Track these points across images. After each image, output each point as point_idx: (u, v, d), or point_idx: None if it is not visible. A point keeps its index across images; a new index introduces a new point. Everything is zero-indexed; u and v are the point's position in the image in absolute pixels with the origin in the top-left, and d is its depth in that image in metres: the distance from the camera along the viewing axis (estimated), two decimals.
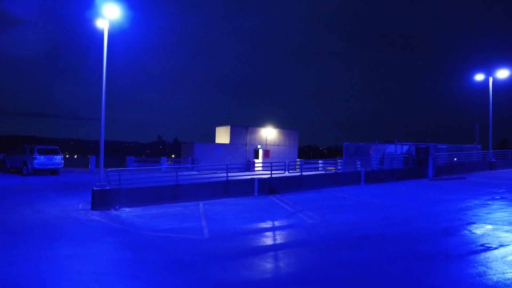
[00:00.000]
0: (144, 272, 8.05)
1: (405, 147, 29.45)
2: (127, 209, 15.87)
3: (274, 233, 12.09)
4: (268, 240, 11.23)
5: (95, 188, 15.98)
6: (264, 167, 28.23)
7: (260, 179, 20.53)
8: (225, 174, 20.36)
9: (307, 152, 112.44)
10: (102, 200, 15.94)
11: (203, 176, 22.98)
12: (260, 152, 43.49)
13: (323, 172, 28.03)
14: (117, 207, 15.94)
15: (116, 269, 8.34)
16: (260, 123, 45.24)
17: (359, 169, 26.02)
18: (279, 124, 49.89)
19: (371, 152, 28.63)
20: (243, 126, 43.29)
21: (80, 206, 16.30)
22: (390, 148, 29.56)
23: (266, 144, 43.85)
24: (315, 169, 31.67)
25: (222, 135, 43.55)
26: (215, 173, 20.35)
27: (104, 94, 16.59)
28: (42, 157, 27.57)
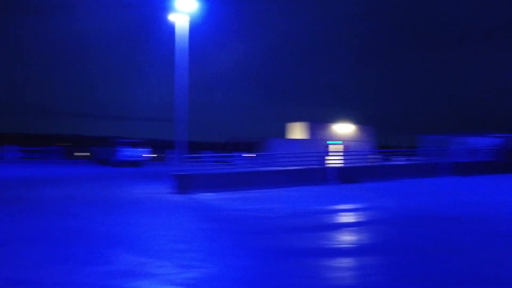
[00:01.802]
0: (222, 237, 8.45)
1: (492, 140, 27.65)
2: (205, 194, 16.53)
3: (348, 213, 12.04)
4: (343, 218, 11.27)
5: (175, 173, 16.86)
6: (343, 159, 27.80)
7: (336, 168, 20.48)
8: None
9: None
10: (182, 184, 16.75)
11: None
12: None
13: (399, 163, 27.17)
14: (196, 192, 16.65)
15: (197, 235, 8.86)
16: (335, 120, 44.81)
17: (438, 161, 24.85)
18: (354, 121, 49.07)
19: (451, 149, 27.19)
20: (319, 122, 43.17)
21: (162, 190, 17.28)
22: (475, 140, 27.93)
23: (341, 140, 43.38)
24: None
25: (297, 131, 43.67)
26: None
27: (179, 84, 17.37)
28: (126, 149, 29.55)
